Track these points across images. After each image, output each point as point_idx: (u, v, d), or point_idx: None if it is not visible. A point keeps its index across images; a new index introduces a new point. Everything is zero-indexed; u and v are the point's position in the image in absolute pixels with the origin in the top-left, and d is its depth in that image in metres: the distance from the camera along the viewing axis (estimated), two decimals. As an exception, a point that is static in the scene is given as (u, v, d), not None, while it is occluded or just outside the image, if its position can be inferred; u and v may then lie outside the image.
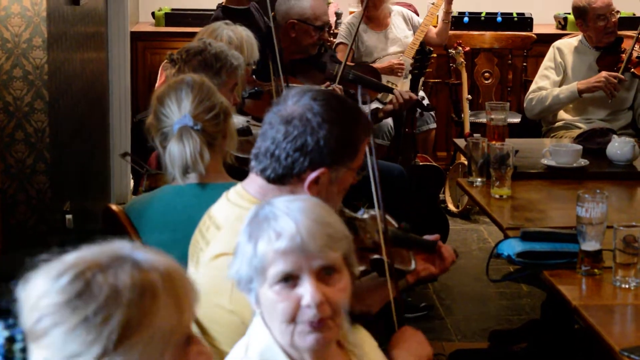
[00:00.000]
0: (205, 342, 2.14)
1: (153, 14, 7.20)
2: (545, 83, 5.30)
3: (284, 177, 2.22)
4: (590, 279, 2.93)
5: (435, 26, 6.33)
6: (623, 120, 5.30)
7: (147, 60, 6.92)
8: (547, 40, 6.02)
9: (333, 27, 6.68)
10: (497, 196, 3.75)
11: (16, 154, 3.93)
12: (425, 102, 5.49)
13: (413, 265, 2.57)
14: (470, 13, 7.15)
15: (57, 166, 4.11)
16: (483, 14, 7.15)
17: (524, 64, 6.79)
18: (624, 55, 5.26)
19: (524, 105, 5.38)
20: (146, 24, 7.27)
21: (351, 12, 6.55)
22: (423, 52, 5.07)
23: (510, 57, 6.85)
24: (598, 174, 4.12)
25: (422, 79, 5.23)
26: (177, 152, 2.76)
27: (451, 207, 6.24)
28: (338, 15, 6.97)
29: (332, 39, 6.36)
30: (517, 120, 5.95)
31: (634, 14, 7.21)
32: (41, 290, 1.29)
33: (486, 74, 6.81)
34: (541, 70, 5.40)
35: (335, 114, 2.21)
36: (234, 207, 2.25)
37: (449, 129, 6.89)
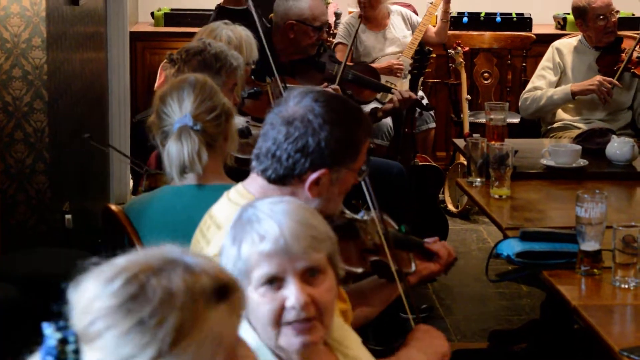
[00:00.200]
0: None
1: (152, 14, 7.21)
2: (541, 83, 5.31)
3: (284, 178, 2.22)
4: (590, 279, 2.93)
5: (434, 26, 6.34)
6: (622, 121, 5.30)
7: (147, 60, 6.92)
8: (546, 40, 6.02)
9: (332, 27, 6.68)
10: (496, 196, 3.75)
11: (15, 154, 3.93)
12: (425, 101, 5.49)
13: (413, 267, 2.58)
14: (469, 13, 7.15)
15: (57, 166, 4.11)
16: (482, 14, 7.16)
17: (523, 64, 6.79)
18: (623, 55, 5.26)
19: (519, 104, 5.39)
20: (145, 24, 7.27)
21: (350, 12, 6.56)
22: (422, 52, 5.06)
23: (510, 57, 6.85)
24: (597, 174, 4.12)
25: (420, 79, 5.23)
26: (175, 151, 2.76)
27: (450, 207, 6.24)
28: (337, 16, 6.97)
29: (331, 39, 6.36)
30: (516, 120, 5.95)
31: (633, 14, 7.22)
32: (93, 293, 1.29)
33: (485, 74, 6.81)
34: (538, 70, 5.40)
35: (336, 115, 2.22)
36: (235, 206, 2.26)
37: (448, 129, 6.89)
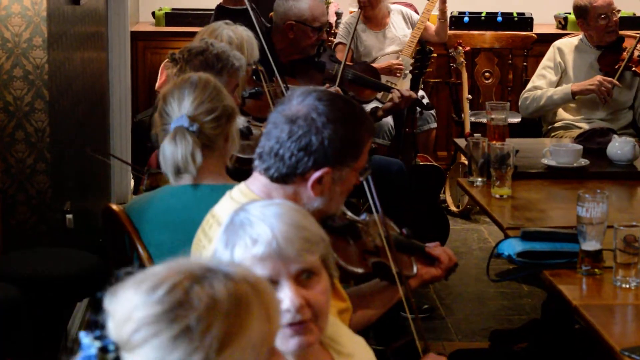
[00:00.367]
0: None
1: (153, 13, 7.21)
2: (541, 82, 5.31)
3: (287, 177, 2.22)
4: (591, 279, 2.93)
5: (434, 24, 6.33)
6: (623, 120, 5.30)
7: (147, 60, 6.92)
8: (547, 40, 6.02)
9: (333, 27, 6.68)
10: (497, 196, 3.75)
11: (16, 154, 3.93)
12: (425, 100, 5.49)
13: (414, 271, 2.58)
14: (470, 13, 7.15)
15: (58, 166, 4.11)
16: (483, 14, 7.15)
17: (525, 63, 6.78)
18: (625, 54, 5.26)
19: (519, 103, 5.39)
20: (146, 24, 7.27)
21: (351, 12, 6.56)
22: (423, 52, 5.06)
23: (511, 57, 6.85)
24: (598, 173, 4.12)
25: (421, 79, 5.23)
26: (169, 152, 2.76)
27: (452, 207, 6.24)
28: (338, 15, 6.97)
29: (332, 38, 6.36)
30: (517, 120, 5.95)
31: (634, 14, 7.21)
32: (135, 302, 1.30)
33: (486, 74, 6.81)
34: (539, 70, 5.40)
35: (339, 114, 2.22)
36: (237, 205, 2.25)
37: (449, 129, 6.89)
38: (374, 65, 5.76)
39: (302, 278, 1.79)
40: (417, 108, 5.17)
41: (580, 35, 5.39)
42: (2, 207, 3.91)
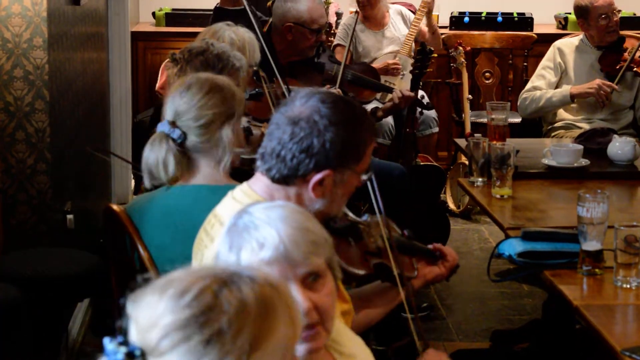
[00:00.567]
0: None
1: (153, 14, 7.21)
2: (540, 83, 5.31)
3: (288, 178, 2.22)
4: (592, 279, 2.93)
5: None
6: (624, 120, 5.30)
7: (148, 60, 6.92)
8: (547, 40, 6.02)
9: (334, 27, 6.68)
10: (498, 196, 3.75)
11: (17, 154, 3.93)
12: (425, 101, 5.49)
13: (416, 272, 2.58)
14: (470, 13, 7.15)
15: (58, 166, 4.11)
16: (484, 14, 7.15)
17: (525, 63, 6.78)
18: (626, 54, 5.26)
19: (518, 103, 5.39)
20: (146, 24, 7.27)
21: (351, 12, 6.55)
22: (424, 52, 5.06)
23: (511, 57, 6.85)
24: (599, 173, 4.13)
25: (421, 79, 5.23)
26: (145, 155, 2.80)
27: (452, 207, 6.24)
28: (339, 15, 6.97)
29: (332, 39, 6.36)
30: (517, 120, 5.95)
31: (634, 14, 7.21)
32: (161, 308, 1.30)
33: (487, 74, 6.81)
34: (539, 70, 5.40)
35: (342, 117, 2.21)
36: (239, 205, 2.25)
37: (449, 129, 6.89)
38: (372, 65, 5.76)
39: (309, 281, 1.78)
40: (418, 108, 5.18)
41: (581, 36, 5.39)
42: (3, 207, 3.91)
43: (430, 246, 2.69)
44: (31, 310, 3.31)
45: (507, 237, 3.28)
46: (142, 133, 4.64)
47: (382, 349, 3.81)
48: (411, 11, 6.36)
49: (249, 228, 1.76)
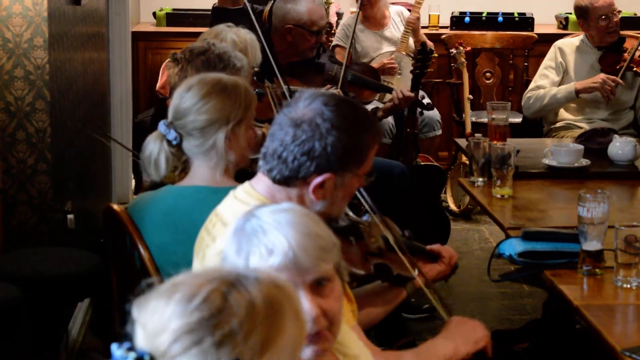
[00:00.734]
0: None
1: (154, 14, 7.21)
2: (544, 82, 5.30)
3: (289, 180, 2.22)
4: (592, 279, 2.93)
5: (424, 26, 6.33)
6: (624, 120, 5.30)
7: (148, 60, 6.92)
8: (548, 40, 6.02)
9: (334, 27, 6.68)
10: (498, 196, 3.75)
11: (17, 154, 3.93)
12: (426, 101, 5.49)
13: (415, 272, 2.58)
14: (471, 13, 7.15)
15: (59, 166, 4.11)
16: (484, 14, 7.16)
17: (525, 63, 6.78)
18: (626, 54, 5.26)
19: (522, 103, 5.39)
20: (147, 24, 7.27)
21: (352, 12, 6.55)
22: (424, 52, 5.06)
23: (512, 57, 6.85)
24: (599, 173, 4.13)
25: (422, 79, 5.23)
26: (143, 149, 2.82)
27: (452, 207, 6.24)
28: (339, 15, 6.97)
29: (331, 38, 6.36)
30: (518, 120, 5.95)
31: (635, 14, 7.21)
32: (170, 312, 1.29)
33: (487, 74, 6.81)
34: (541, 70, 5.40)
35: (345, 121, 2.20)
36: (241, 204, 2.26)
37: (450, 129, 6.89)
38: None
39: (317, 286, 1.78)
40: (418, 108, 5.18)
41: (581, 36, 5.39)
42: (3, 207, 3.91)
43: (429, 246, 2.70)
44: (31, 310, 3.31)
45: (508, 237, 3.28)
46: (142, 133, 4.63)
47: (383, 348, 3.81)
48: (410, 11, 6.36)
49: (258, 233, 1.75)
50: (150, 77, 6.74)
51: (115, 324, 2.92)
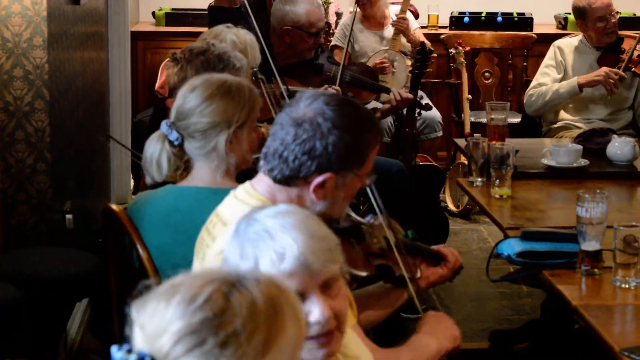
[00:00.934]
0: None
1: (153, 13, 7.21)
2: (545, 80, 5.30)
3: (290, 179, 2.21)
4: (590, 279, 2.93)
5: (423, 26, 6.32)
6: (623, 120, 5.30)
7: (148, 60, 6.92)
8: (547, 40, 6.02)
9: (333, 27, 6.68)
10: (497, 196, 3.76)
11: (16, 154, 3.93)
12: (424, 101, 5.49)
13: (419, 273, 2.58)
14: (470, 13, 7.16)
15: (58, 166, 4.11)
16: (483, 14, 7.16)
17: (525, 63, 6.79)
18: (624, 55, 5.26)
19: (524, 101, 5.39)
20: (146, 24, 7.27)
21: (351, 12, 6.55)
22: (424, 52, 5.06)
23: (511, 57, 6.85)
24: (598, 173, 4.13)
25: (421, 79, 5.23)
26: (144, 150, 2.82)
27: (451, 207, 6.24)
28: (338, 15, 6.97)
29: (330, 38, 6.36)
30: (517, 120, 5.95)
31: (634, 14, 7.21)
32: (170, 314, 1.29)
33: (486, 74, 6.81)
34: (541, 69, 5.40)
35: (346, 121, 2.20)
36: (241, 204, 2.25)
37: (449, 129, 6.89)
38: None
39: (326, 288, 1.78)
40: (417, 108, 5.18)
41: (580, 36, 5.39)
42: (2, 207, 3.91)
43: (433, 247, 2.69)
44: (30, 310, 3.31)
45: (506, 237, 3.28)
46: (141, 133, 4.64)
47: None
48: (411, 11, 6.36)
49: (264, 238, 1.74)
50: (150, 77, 6.74)
51: (114, 325, 2.92)
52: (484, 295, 4.96)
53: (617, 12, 5.34)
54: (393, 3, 6.44)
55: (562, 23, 7.21)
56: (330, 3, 6.83)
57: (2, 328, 3.16)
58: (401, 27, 6.05)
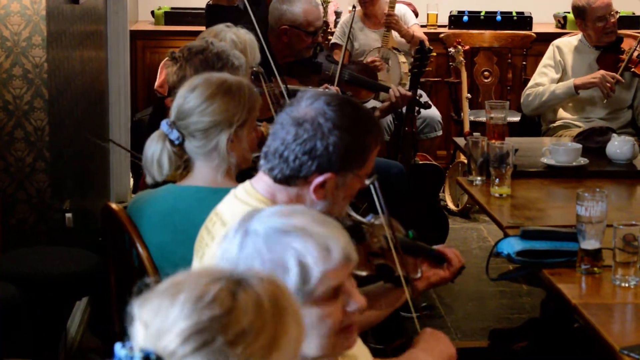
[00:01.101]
0: None
1: (152, 12, 7.21)
2: (543, 80, 5.30)
3: (290, 179, 2.21)
4: (590, 278, 2.93)
5: (423, 25, 6.32)
6: (623, 119, 5.30)
7: (147, 59, 6.92)
8: (546, 39, 6.02)
9: (332, 26, 6.68)
10: (496, 195, 3.75)
11: (16, 153, 3.93)
12: (423, 99, 5.49)
13: (419, 274, 2.58)
14: (469, 12, 7.16)
15: (57, 165, 4.11)
16: (482, 13, 7.16)
17: (524, 62, 6.79)
18: (624, 55, 5.26)
19: (521, 100, 5.39)
20: (145, 23, 7.27)
21: (350, 11, 6.55)
22: (423, 51, 5.06)
23: (510, 56, 6.85)
24: (598, 172, 4.13)
25: (420, 78, 5.22)
26: (144, 150, 2.81)
27: (451, 206, 6.24)
28: (337, 14, 6.97)
29: (330, 37, 6.36)
30: (516, 119, 5.95)
31: (633, 13, 7.21)
32: (176, 313, 1.28)
33: (486, 73, 6.81)
34: (540, 68, 5.40)
35: (347, 121, 2.20)
36: (241, 204, 2.25)
37: (448, 128, 6.89)
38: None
39: (352, 278, 1.78)
40: (416, 107, 5.17)
41: (579, 35, 5.39)
42: (2, 206, 3.91)
43: (434, 247, 2.68)
44: (30, 308, 3.31)
45: (506, 235, 3.28)
46: (141, 131, 4.64)
47: (381, 347, 3.81)
48: (411, 10, 6.36)
49: (295, 234, 1.69)
50: (149, 76, 6.74)
51: (113, 323, 2.92)
52: (484, 294, 4.96)
53: (617, 12, 5.34)
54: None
55: (562, 22, 7.21)
56: (329, 2, 6.83)
57: (2, 327, 3.16)
58: (391, 24, 6.04)
